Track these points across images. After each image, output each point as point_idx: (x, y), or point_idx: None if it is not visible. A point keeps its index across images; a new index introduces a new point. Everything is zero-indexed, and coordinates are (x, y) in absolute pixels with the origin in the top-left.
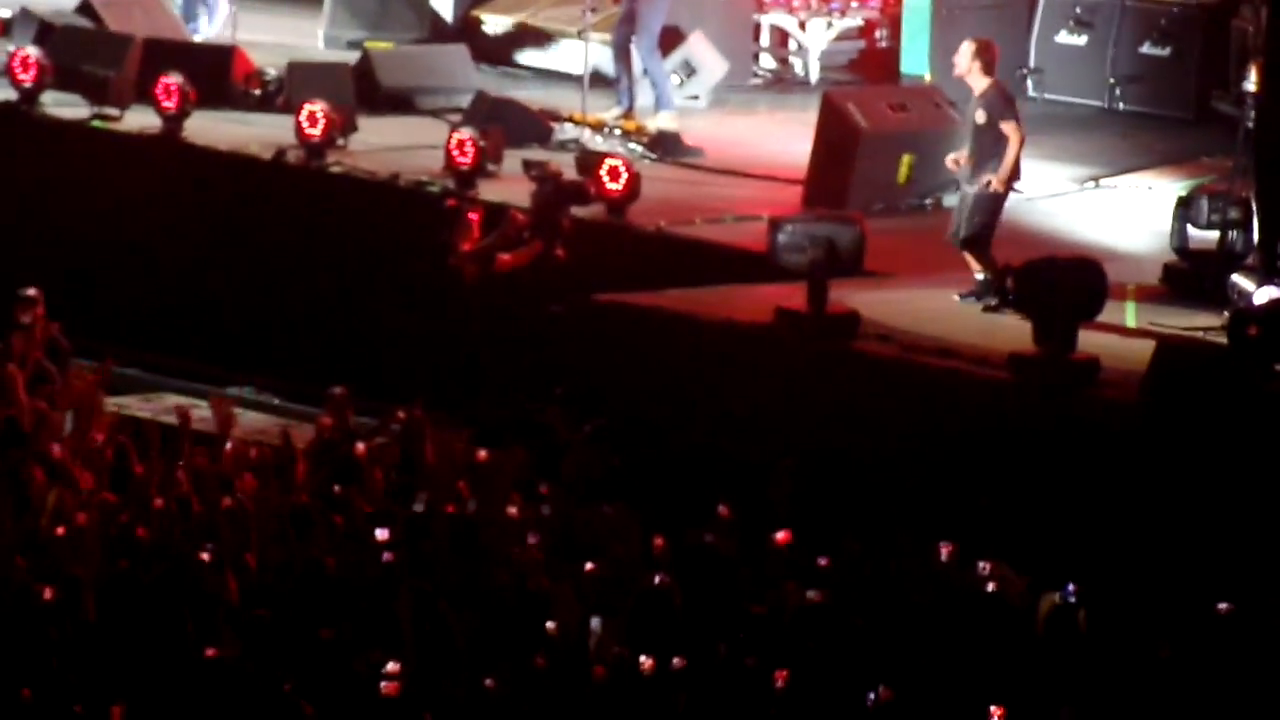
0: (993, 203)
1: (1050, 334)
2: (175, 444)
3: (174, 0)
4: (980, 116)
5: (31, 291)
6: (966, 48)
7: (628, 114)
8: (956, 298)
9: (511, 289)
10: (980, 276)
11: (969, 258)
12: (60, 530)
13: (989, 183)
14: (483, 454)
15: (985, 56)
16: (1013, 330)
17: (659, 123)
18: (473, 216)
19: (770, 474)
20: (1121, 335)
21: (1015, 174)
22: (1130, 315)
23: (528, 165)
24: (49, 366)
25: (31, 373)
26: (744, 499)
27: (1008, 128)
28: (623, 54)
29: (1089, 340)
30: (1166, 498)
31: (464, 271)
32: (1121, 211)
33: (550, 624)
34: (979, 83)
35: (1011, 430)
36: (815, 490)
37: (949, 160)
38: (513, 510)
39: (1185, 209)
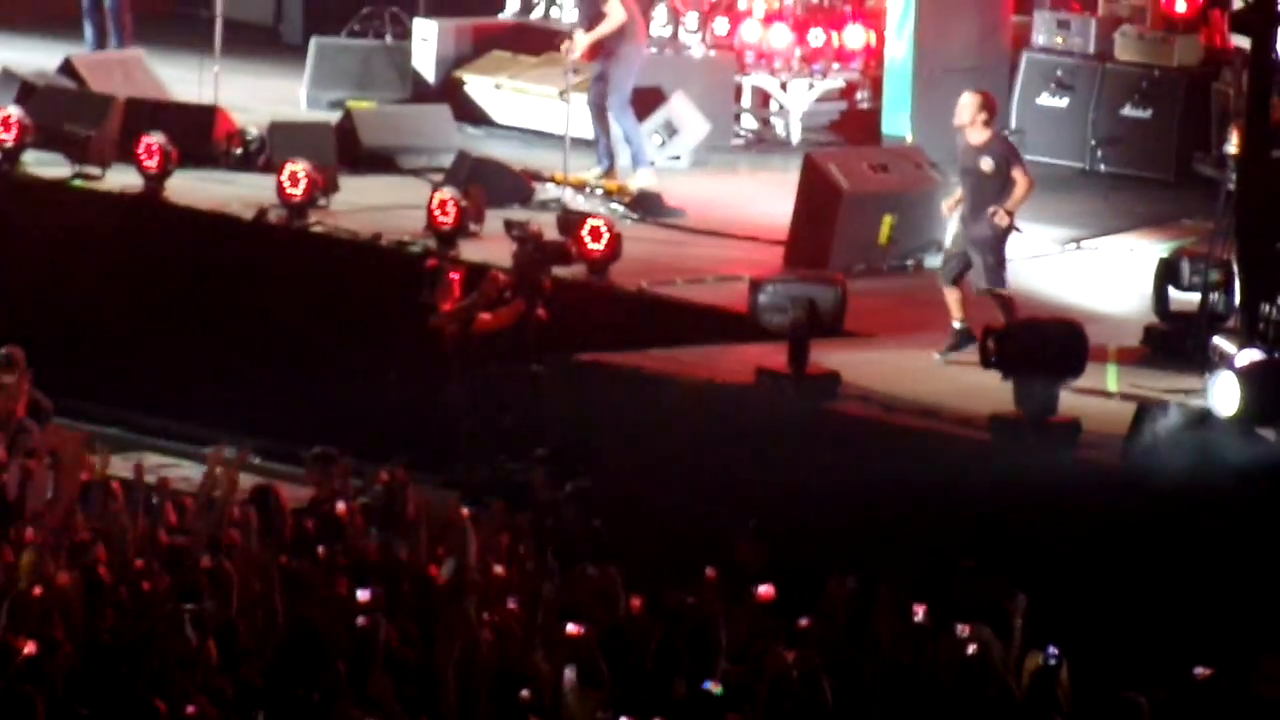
0: (999, 240)
1: (1031, 395)
2: (156, 503)
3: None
4: (988, 165)
5: (12, 350)
6: (970, 99)
7: (608, 174)
8: (936, 356)
9: (492, 349)
10: (957, 325)
11: (951, 301)
12: (38, 590)
13: (994, 212)
14: (465, 511)
15: (989, 108)
16: (994, 391)
17: (638, 181)
18: (454, 276)
19: (736, 532)
20: (1103, 397)
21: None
22: (1111, 377)
23: (509, 225)
24: (30, 425)
25: (13, 431)
26: (725, 560)
27: (1018, 174)
28: (600, 114)
29: (1070, 402)
30: (1147, 560)
31: (444, 331)
32: (1103, 273)
33: (525, 692)
34: (982, 134)
35: (992, 491)
36: (793, 549)
37: (944, 204)
38: (499, 570)
39: (1167, 271)
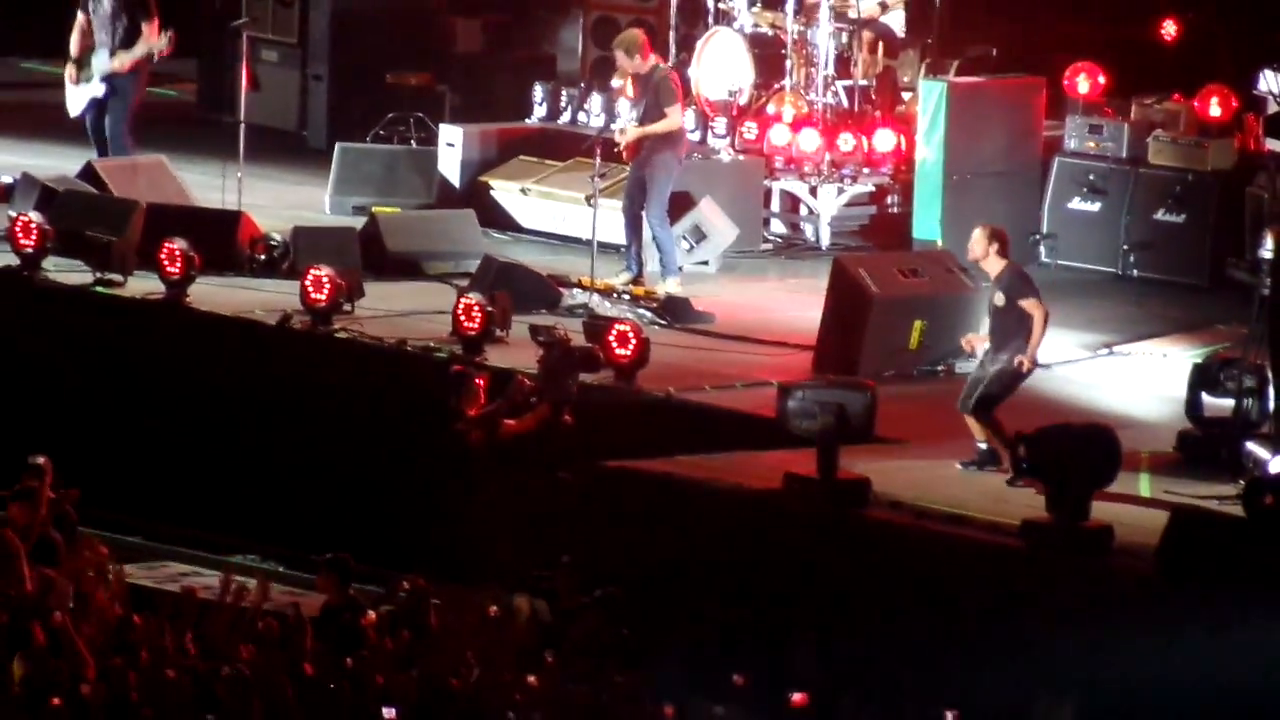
0: (1014, 379)
1: (1063, 502)
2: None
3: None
4: (999, 299)
5: (40, 460)
6: (979, 234)
7: (636, 280)
8: (959, 466)
9: (518, 455)
10: (982, 445)
11: (973, 425)
12: (56, 701)
13: (1019, 362)
14: (493, 610)
15: (1000, 240)
16: (1025, 497)
17: (666, 289)
18: (479, 382)
19: (789, 645)
20: (1135, 504)
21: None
22: (1144, 483)
23: (535, 330)
24: (54, 536)
25: (35, 542)
26: (755, 668)
27: (1029, 305)
28: (634, 221)
29: (1102, 509)
30: (1181, 668)
31: (469, 437)
32: (1135, 379)
33: None
34: (995, 265)
35: (1024, 599)
36: (831, 660)
37: (964, 342)
38: (530, 679)
39: (1200, 376)
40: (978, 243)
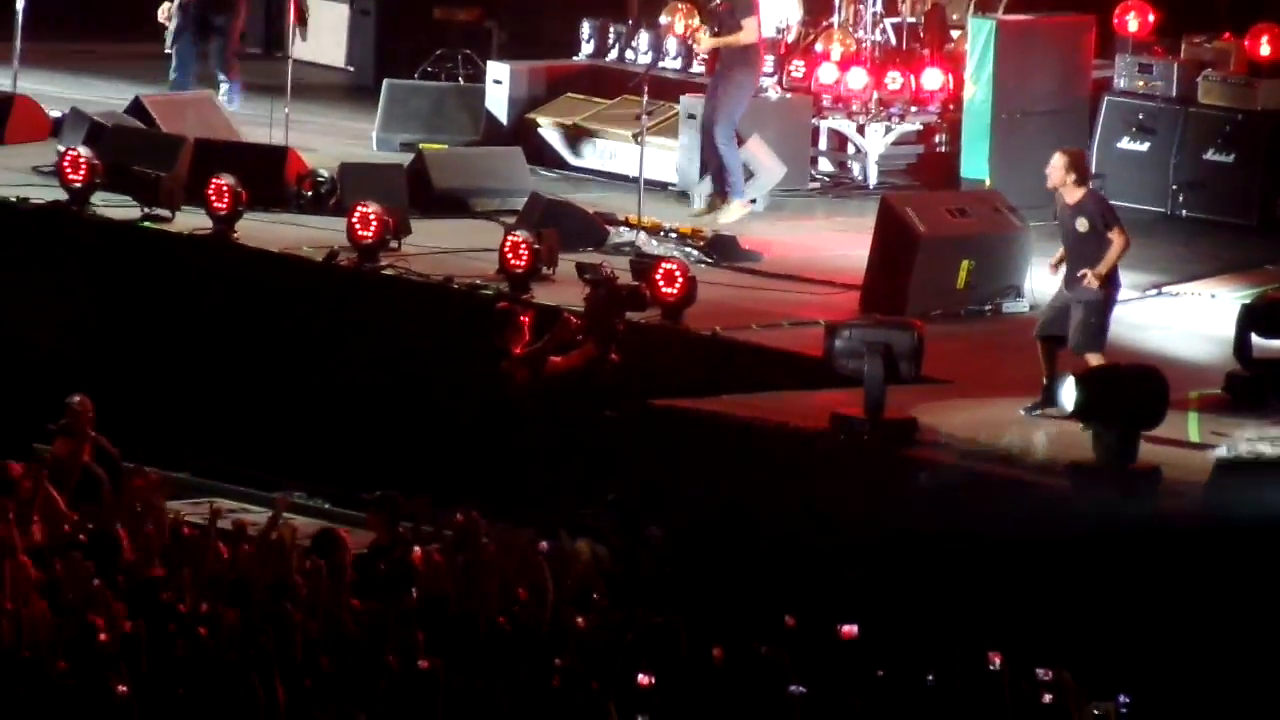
0: (1104, 303)
1: (1111, 443)
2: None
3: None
4: (1083, 225)
5: (77, 399)
6: (1059, 160)
7: (715, 198)
8: (1021, 412)
9: (564, 393)
10: (1046, 383)
11: (1043, 359)
12: (104, 637)
13: (1083, 275)
14: (544, 545)
15: (1079, 167)
16: (1073, 438)
17: (727, 213)
18: (524, 319)
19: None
20: (1183, 446)
21: (1115, 281)
22: (1193, 425)
23: (582, 268)
24: (98, 473)
25: (76, 480)
26: (803, 607)
27: (1114, 234)
28: (705, 138)
29: (1150, 450)
30: (1227, 610)
31: (515, 375)
32: (1184, 319)
33: None
34: (1075, 193)
35: (1070, 540)
36: (871, 595)
37: (1050, 264)
38: (579, 620)
39: (1249, 317)
40: (1055, 170)
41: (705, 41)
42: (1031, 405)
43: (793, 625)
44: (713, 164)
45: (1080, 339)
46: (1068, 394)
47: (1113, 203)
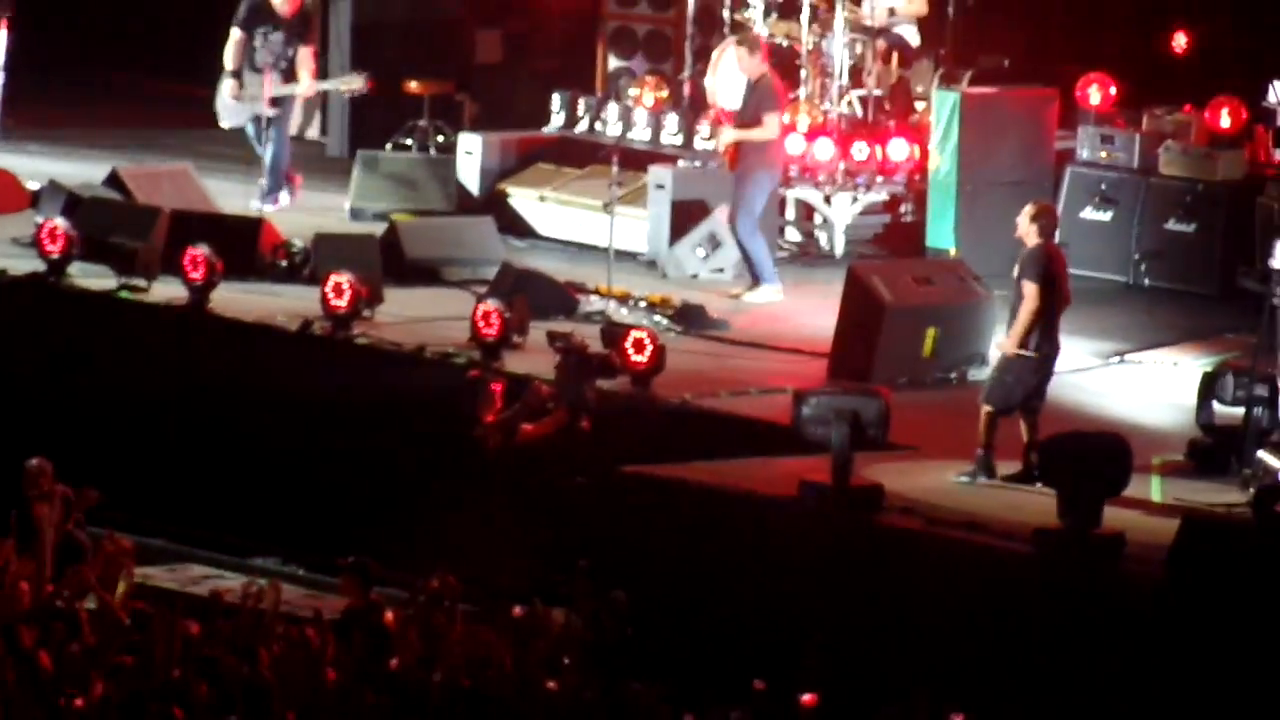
0: (1018, 364)
1: (1075, 508)
2: (201, 615)
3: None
4: (1015, 272)
5: (35, 462)
6: (1028, 209)
7: (751, 289)
8: (952, 478)
9: (534, 460)
10: (980, 452)
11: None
12: (79, 702)
13: (1008, 348)
14: (518, 610)
15: (1042, 220)
16: (1039, 504)
17: (755, 295)
18: (495, 388)
19: (802, 648)
20: (1146, 511)
21: (1050, 344)
22: (1155, 490)
23: (552, 336)
24: (80, 537)
25: (59, 544)
26: (770, 673)
27: (1026, 286)
28: (733, 232)
29: (1114, 515)
30: (1189, 676)
31: (486, 443)
32: (1146, 387)
33: None
34: (1030, 243)
35: (1035, 605)
36: (836, 662)
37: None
38: (551, 684)
39: (1210, 385)
40: (1023, 218)
41: (726, 135)
42: (961, 474)
43: (762, 689)
44: (742, 255)
45: (986, 388)
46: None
47: (1076, 272)
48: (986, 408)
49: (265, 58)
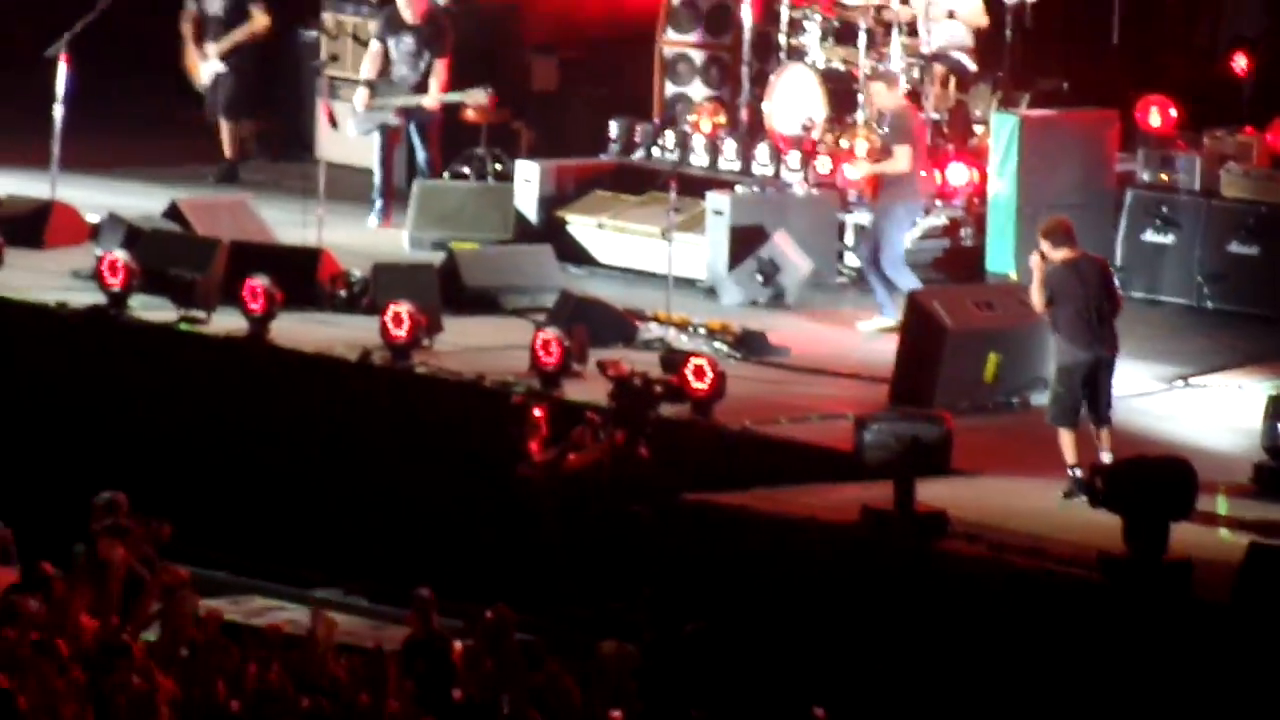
0: (1056, 375)
1: (1140, 534)
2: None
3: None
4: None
5: (110, 495)
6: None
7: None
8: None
9: (593, 488)
10: (1070, 472)
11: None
12: None
13: None
14: (578, 639)
15: (1049, 232)
16: (1103, 529)
17: (869, 324)
18: (538, 413)
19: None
20: (1212, 536)
21: (1087, 349)
22: (1221, 516)
23: (602, 366)
24: (142, 571)
25: (125, 579)
26: (836, 701)
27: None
28: (872, 267)
29: (1179, 541)
30: (1256, 703)
31: (533, 481)
32: (1211, 411)
33: None
34: (1058, 254)
35: (1101, 632)
36: (900, 690)
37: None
38: (616, 714)
39: (1276, 408)
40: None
41: (859, 168)
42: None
43: (823, 718)
44: (875, 284)
45: (1047, 408)
46: None
47: (1138, 295)
48: (1054, 425)
49: (399, 69)
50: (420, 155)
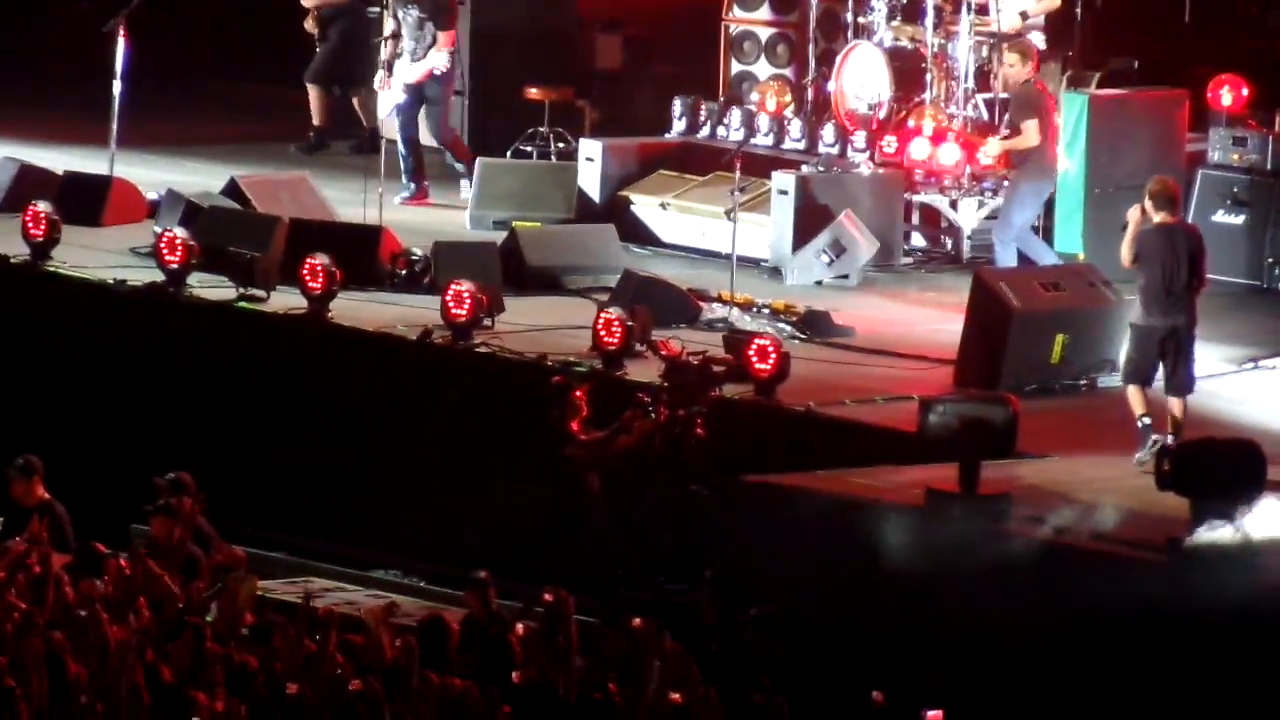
0: (1129, 338)
1: (1209, 517)
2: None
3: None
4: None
5: (175, 476)
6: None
7: None
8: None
9: (640, 468)
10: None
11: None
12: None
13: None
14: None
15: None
16: (1172, 512)
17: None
18: (579, 394)
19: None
20: None
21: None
22: None
23: (654, 346)
24: (196, 552)
25: (181, 561)
26: (897, 683)
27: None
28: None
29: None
30: None
31: (579, 462)
32: None
33: None
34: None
35: (1169, 615)
36: (965, 674)
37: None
38: (675, 696)
39: None
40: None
41: (992, 146)
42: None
43: (881, 702)
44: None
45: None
46: None
47: (1209, 276)
48: (1124, 384)
49: (407, 41)
50: (433, 133)
